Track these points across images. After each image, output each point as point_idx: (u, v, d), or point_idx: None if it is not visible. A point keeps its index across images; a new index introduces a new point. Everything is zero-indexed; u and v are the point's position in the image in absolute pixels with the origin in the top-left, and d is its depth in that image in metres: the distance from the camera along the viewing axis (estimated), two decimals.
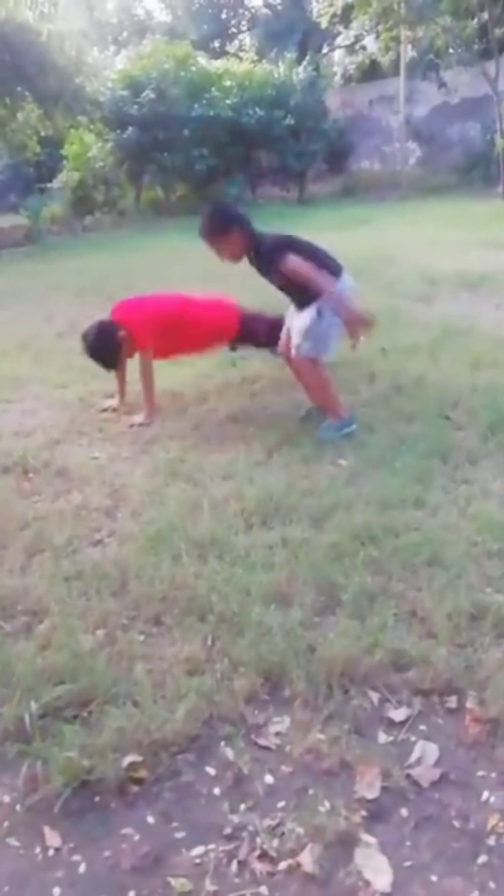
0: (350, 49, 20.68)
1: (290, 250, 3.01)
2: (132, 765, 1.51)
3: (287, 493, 2.58)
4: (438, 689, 1.69)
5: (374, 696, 1.69)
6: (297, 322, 3.18)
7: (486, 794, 1.45)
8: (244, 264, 3.24)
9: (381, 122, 17.21)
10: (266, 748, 1.58)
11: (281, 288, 3.21)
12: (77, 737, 1.56)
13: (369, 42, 19.06)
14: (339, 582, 2.05)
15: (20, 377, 4.21)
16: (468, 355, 4.05)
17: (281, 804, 1.45)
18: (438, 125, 15.88)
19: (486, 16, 13.17)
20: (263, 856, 1.34)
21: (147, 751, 1.55)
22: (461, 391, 3.51)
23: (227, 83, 14.42)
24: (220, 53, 20.71)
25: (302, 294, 3.11)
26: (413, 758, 1.53)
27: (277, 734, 1.61)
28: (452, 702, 1.67)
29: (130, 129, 13.68)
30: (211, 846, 1.37)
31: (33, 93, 12.15)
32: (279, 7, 23.08)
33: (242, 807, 1.45)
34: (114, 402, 3.67)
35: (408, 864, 1.32)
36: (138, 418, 3.45)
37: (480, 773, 1.50)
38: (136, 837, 1.39)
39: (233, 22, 25.04)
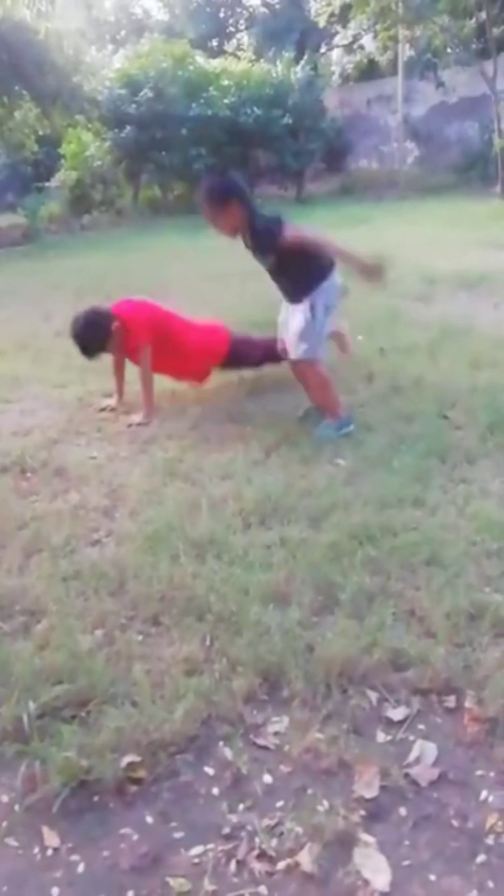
0: (348, 48, 20.69)
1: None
2: (131, 765, 1.51)
3: (285, 493, 2.57)
4: (437, 688, 1.69)
5: (373, 696, 1.69)
6: (291, 324, 3.18)
7: (484, 794, 1.45)
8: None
9: (378, 122, 17.23)
10: (265, 748, 1.58)
11: (272, 273, 3.20)
12: (75, 737, 1.56)
13: (367, 41, 19.08)
14: (338, 581, 2.05)
15: (18, 376, 4.20)
16: (467, 355, 4.04)
17: (279, 804, 1.45)
18: (436, 125, 15.90)
19: (483, 15, 13.21)
20: (262, 855, 1.34)
21: (145, 751, 1.54)
22: (460, 391, 3.51)
23: (225, 82, 14.44)
24: (218, 52, 20.77)
25: (295, 282, 3.12)
26: (412, 757, 1.53)
27: (276, 734, 1.61)
28: (451, 701, 1.67)
29: (128, 128, 13.70)
30: (209, 846, 1.37)
31: (31, 91, 12.17)
32: (277, 6, 23.10)
33: (241, 806, 1.44)
34: (112, 401, 3.67)
35: (406, 863, 1.32)
36: (136, 418, 3.44)
37: (479, 772, 1.50)
38: (135, 837, 1.39)
39: (231, 21, 25.08)
